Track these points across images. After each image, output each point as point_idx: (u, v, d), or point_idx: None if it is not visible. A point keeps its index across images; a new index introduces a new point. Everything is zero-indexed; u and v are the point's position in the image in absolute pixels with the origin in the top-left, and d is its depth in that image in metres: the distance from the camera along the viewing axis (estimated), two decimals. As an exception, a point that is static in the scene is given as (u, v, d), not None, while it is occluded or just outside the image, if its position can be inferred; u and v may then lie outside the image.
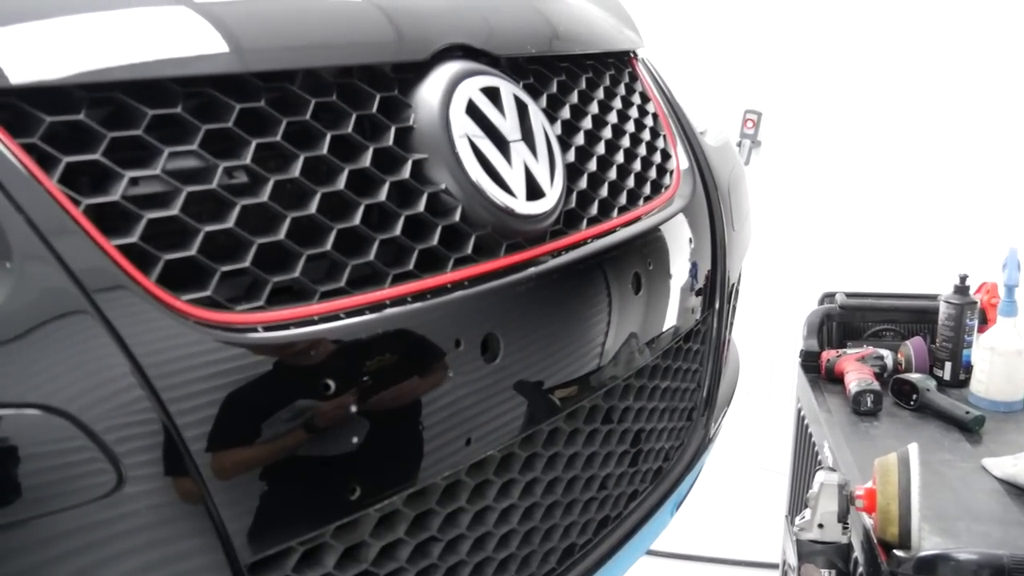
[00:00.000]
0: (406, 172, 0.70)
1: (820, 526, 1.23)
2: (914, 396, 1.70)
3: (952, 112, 2.64)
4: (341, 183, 0.66)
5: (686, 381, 1.03)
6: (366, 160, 0.68)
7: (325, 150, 0.66)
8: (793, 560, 1.89)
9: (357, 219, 0.66)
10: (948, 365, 1.81)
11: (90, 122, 0.57)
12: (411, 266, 0.68)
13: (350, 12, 0.74)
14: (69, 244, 0.52)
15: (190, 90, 0.61)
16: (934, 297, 1.94)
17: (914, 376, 1.73)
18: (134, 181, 0.57)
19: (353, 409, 0.61)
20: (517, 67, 0.85)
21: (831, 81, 2.74)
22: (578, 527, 0.86)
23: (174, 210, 0.58)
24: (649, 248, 0.91)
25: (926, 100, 2.67)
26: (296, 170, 0.64)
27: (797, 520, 1.26)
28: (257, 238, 0.60)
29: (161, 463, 0.53)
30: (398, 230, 0.68)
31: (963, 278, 1.81)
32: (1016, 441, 1.59)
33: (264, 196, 0.62)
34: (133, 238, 0.55)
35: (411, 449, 0.65)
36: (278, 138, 0.64)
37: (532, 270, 0.76)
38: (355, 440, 0.61)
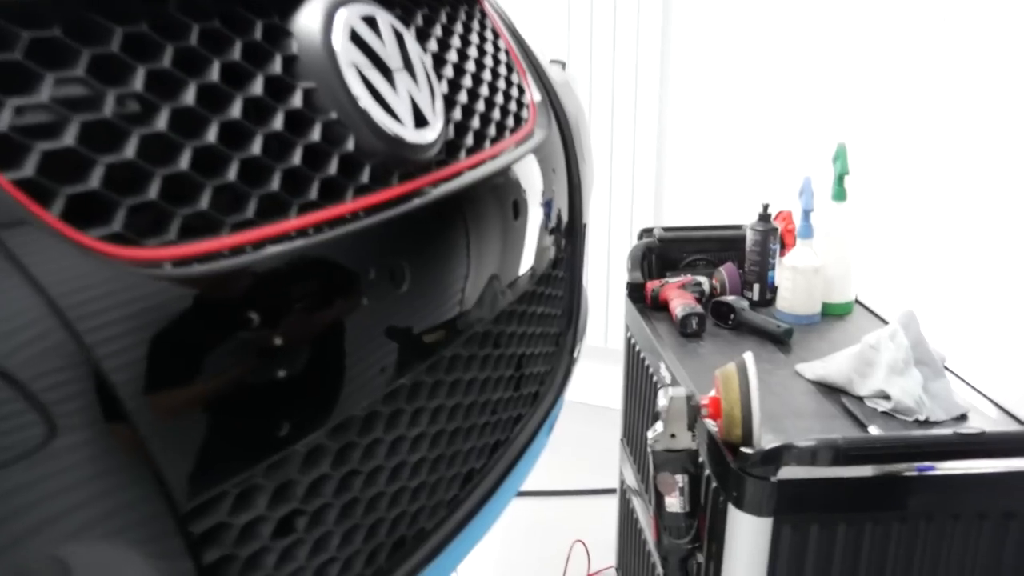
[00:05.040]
0: (298, 101, 0.68)
1: (672, 436, 1.32)
2: (731, 316, 1.85)
3: (746, 57, 2.84)
4: (237, 111, 0.63)
5: (554, 307, 1.07)
6: (258, 88, 0.65)
7: (216, 77, 0.63)
8: (632, 480, 2.02)
9: (257, 148, 0.63)
10: (756, 287, 1.98)
11: (-42, 46, 0.51)
12: (314, 196, 0.66)
13: (218, -66, 0.69)
14: (-43, 179, 0.47)
15: (65, 12, 0.56)
16: (739, 227, 2.11)
17: (730, 298, 1.89)
18: (19, 111, 0.52)
19: (277, 342, 0.59)
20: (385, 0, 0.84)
21: (628, 25, 2.87)
22: (476, 452, 0.88)
23: (68, 141, 0.53)
24: (522, 177, 0.93)
25: (723, 40, 2.86)
26: (190, 98, 0.60)
27: (650, 434, 1.35)
28: (159, 169, 0.57)
29: (93, 410, 0.49)
30: (297, 159, 0.66)
31: (765, 207, 1.98)
32: (819, 348, 1.78)
33: (161, 125, 0.58)
34: (28, 172, 0.51)
35: (333, 381, 0.65)
36: (167, 64, 0.60)
37: (421, 199, 0.76)
38: (280, 374, 0.60)
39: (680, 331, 1.80)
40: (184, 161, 0.58)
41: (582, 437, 2.88)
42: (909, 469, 1.25)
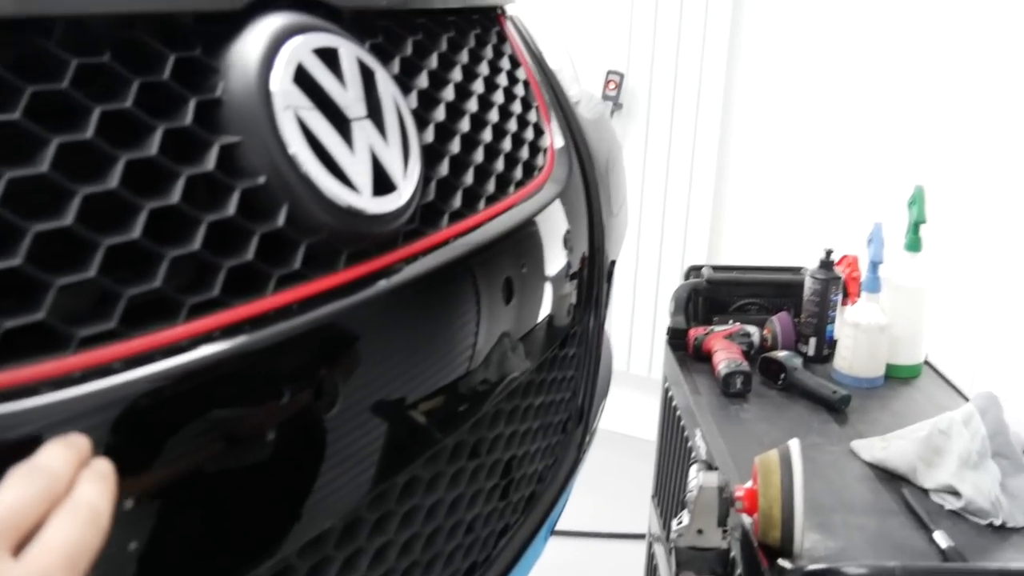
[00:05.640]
0: (210, 162, 0.52)
1: (699, 531, 1.15)
2: (782, 375, 1.66)
3: (818, 84, 2.62)
4: (114, 180, 0.48)
5: (561, 391, 0.91)
6: (152, 147, 0.50)
7: (90, 132, 0.48)
8: (658, 531, 1.84)
9: (137, 231, 0.48)
10: (813, 341, 1.78)
11: None
12: (216, 291, 0.51)
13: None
14: None
15: None
16: (797, 270, 1.91)
17: (781, 355, 1.69)
18: None
19: (129, 504, 0.44)
20: (363, 23, 0.68)
21: (694, 42, 2.66)
22: (441, 584, 0.72)
23: None
24: (521, 246, 0.77)
25: (792, 68, 2.65)
26: (45, 162, 0.45)
27: (674, 525, 1.17)
28: (-22, 265, 0.42)
29: None
30: (197, 243, 0.50)
31: (828, 252, 1.77)
32: (880, 419, 1.58)
33: (-10, 202, 0.43)
34: None
35: (220, 542, 0.49)
36: (17, 115, 0.45)
37: (381, 284, 0.60)
38: (133, 546, 0.44)
39: (722, 390, 1.61)
40: (20, 252, 0.43)
41: (618, 471, 2.70)
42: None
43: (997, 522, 1.26)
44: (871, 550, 1.13)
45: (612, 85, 2.64)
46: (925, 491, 1.33)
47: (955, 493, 1.30)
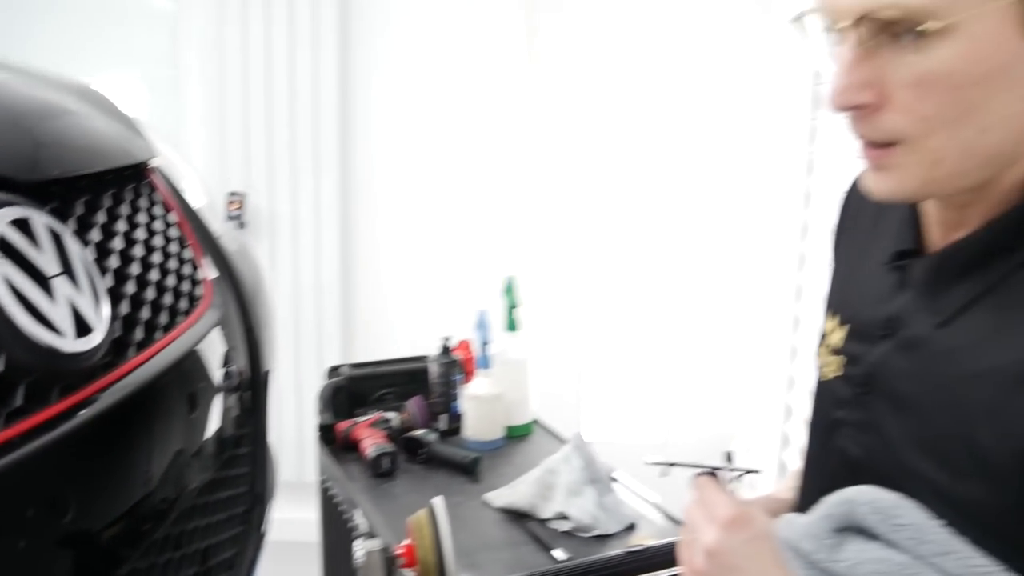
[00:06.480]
0: (-65, 325, 0.62)
1: (370, 593, 1.32)
2: (422, 450, 1.90)
3: (424, 193, 3.00)
4: None
5: (240, 486, 1.04)
6: None
7: None
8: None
9: None
10: (444, 417, 2.06)
11: None
12: (-44, 432, 0.60)
13: None
14: None
15: None
16: (423, 359, 2.19)
17: (418, 432, 1.94)
18: None
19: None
20: (43, 191, 0.79)
21: (308, 158, 2.91)
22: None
23: None
24: (194, 367, 0.91)
25: (400, 178, 3.00)
26: None
27: (348, 592, 1.33)
28: None
29: None
30: (-66, 394, 0.60)
31: (445, 339, 2.08)
32: (505, 472, 1.88)
33: None
34: None
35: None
36: None
37: (87, 411, 0.72)
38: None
39: (373, 472, 1.82)
40: None
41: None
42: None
43: (597, 533, 1.60)
44: (510, 574, 1.39)
45: (236, 205, 2.79)
46: (544, 521, 1.64)
47: (565, 517, 1.63)
